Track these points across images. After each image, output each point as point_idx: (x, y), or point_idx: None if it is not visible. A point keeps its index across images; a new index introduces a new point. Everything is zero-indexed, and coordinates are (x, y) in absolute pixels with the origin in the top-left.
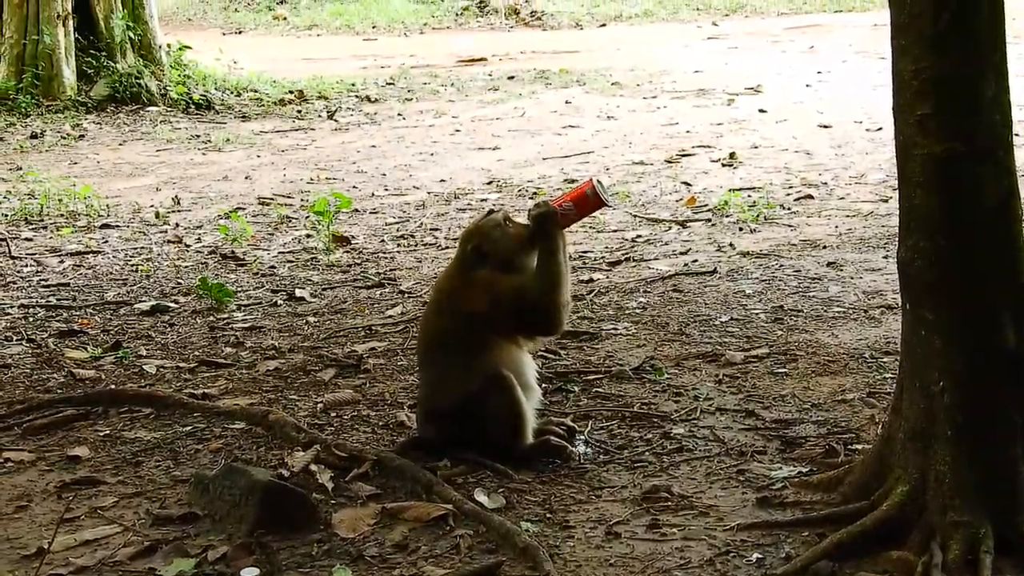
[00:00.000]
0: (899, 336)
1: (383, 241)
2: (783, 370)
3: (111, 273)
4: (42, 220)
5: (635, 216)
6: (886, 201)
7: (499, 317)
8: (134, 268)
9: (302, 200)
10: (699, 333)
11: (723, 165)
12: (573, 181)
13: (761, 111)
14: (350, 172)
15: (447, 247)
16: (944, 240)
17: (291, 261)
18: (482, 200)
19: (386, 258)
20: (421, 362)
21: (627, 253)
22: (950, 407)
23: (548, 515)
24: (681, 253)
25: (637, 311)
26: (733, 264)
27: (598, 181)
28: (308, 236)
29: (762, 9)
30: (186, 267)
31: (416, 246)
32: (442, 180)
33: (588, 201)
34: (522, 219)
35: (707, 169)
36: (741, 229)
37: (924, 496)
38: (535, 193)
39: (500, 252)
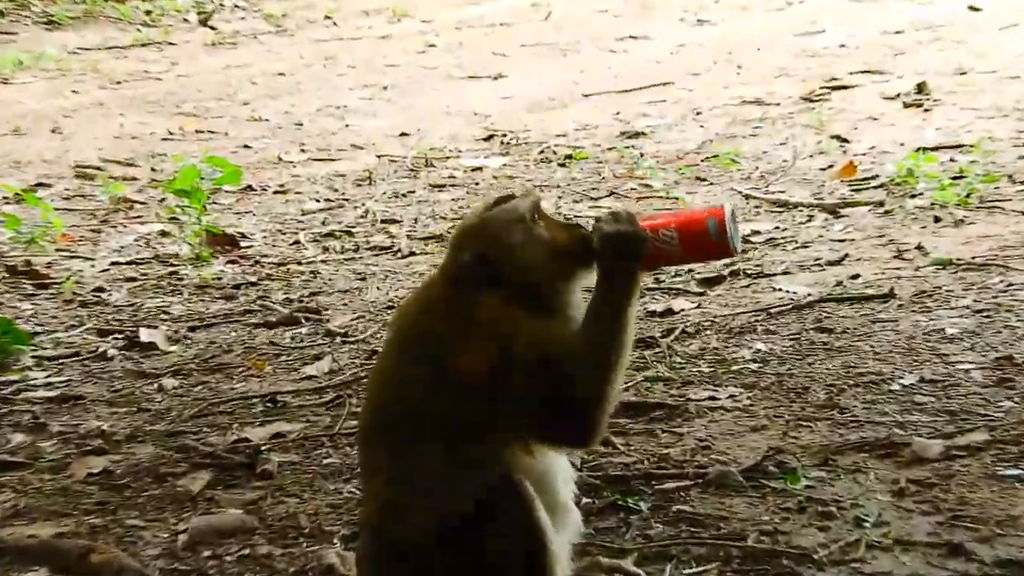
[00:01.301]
0: None
1: (297, 243)
2: (1016, 471)
3: None
4: None
5: (747, 196)
6: None
7: (503, 392)
8: None
9: (154, 170)
10: (863, 406)
11: (905, 106)
12: (637, 136)
13: (973, 8)
14: (238, 119)
15: (415, 254)
16: None
17: (134, 279)
18: (474, 170)
19: (303, 274)
20: (371, 459)
21: (734, 262)
22: None
23: None
24: (831, 263)
25: (752, 366)
26: (924, 283)
27: (733, 214)
28: (164, 235)
29: None
30: None
31: (357, 251)
32: (403, 133)
33: (705, 241)
34: (558, 218)
35: (875, 113)
36: (938, 220)
37: None
38: (568, 159)
39: (523, 268)
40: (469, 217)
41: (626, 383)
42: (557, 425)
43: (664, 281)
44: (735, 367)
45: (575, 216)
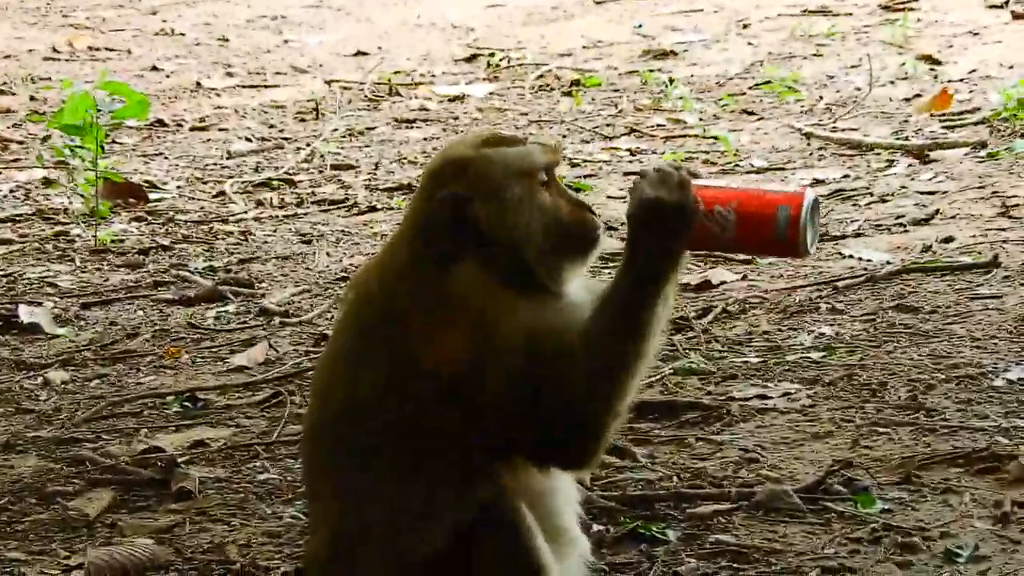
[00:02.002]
0: None
1: (222, 195)
2: None
3: None
4: None
5: (808, 136)
6: None
7: (483, 389)
8: None
9: (34, 99)
10: (956, 407)
11: (1015, 16)
12: (666, 56)
13: None
14: (144, 33)
15: (375, 209)
16: None
17: (9, 242)
18: (452, 100)
19: (230, 235)
20: (318, 477)
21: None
22: None
23: None
24: (917, 222)
25: (813, 356)
26: None
27: (815, 205)
28: (48, 183)
29: None
30: None
31: (300, 206)
32: (359, 53)
33: (769, 234)
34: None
35: (976, 26)
36: None
37: None
38: (575, 85)
39: (514, 235)
40: (455, 145)
41: (648, 376)
42: (545, 441)
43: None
44: (791, 357)
45: (584, 161)
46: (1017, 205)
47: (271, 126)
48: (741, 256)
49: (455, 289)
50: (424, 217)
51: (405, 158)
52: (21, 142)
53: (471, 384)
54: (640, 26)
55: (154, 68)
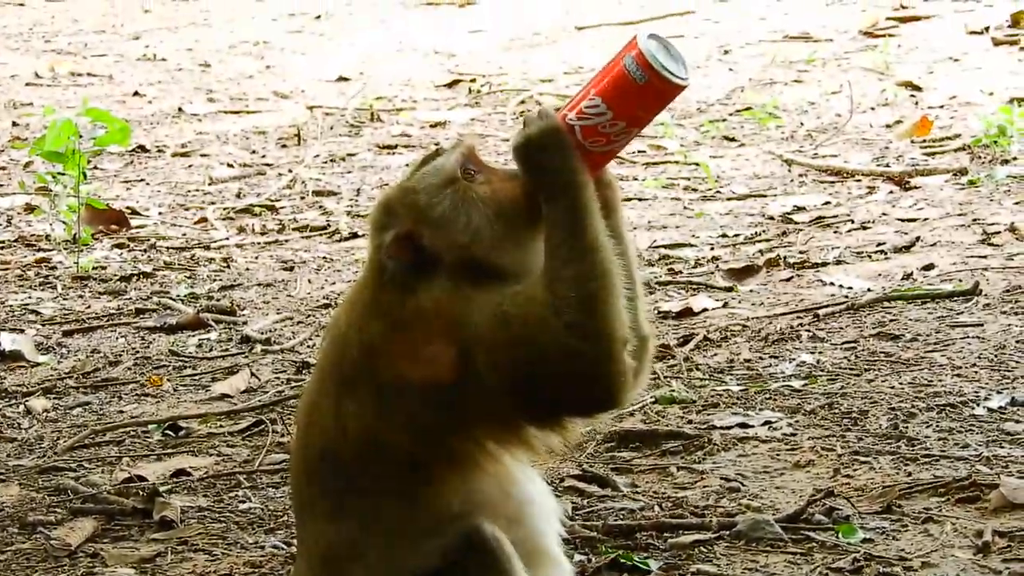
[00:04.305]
0: None
1: (204, 221)
2: None
3: None
4: None
5: (789, 163)
6: None
7: (481, 388)
8: None
9: (16, 124)
10: (938, 436)
11: (995, 43)
12: None
13: None
14: (126, 59)
15: (357, 236)
16: None
17: None
18: (434, 125)
19: (212, 262)
20: (304, 505)
21: (772, 247)
22: None
23: None
24: (897, 249)
25: (794, 384)
26: (1018, 275)
27: (651, 37)
28: (30, 210)
29: None
30: None
31: (282, 232)
32: (341, 78)
33: (634, 88)
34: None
35: (957, 52)
36: None
37: None
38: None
39: (461, 240)
40: (388, 189)
41: (632, 405)
42: (565, 395)
43: (681, 273)
44: (773, 385)
45: None
46: (998, 232)
47: (253, 152)
48: (722, 283)
49: (424, 305)
50: (379, 263)
51: (387, 184)
52: (3, 168)
53: (462, 387)
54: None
55: (136, 93)
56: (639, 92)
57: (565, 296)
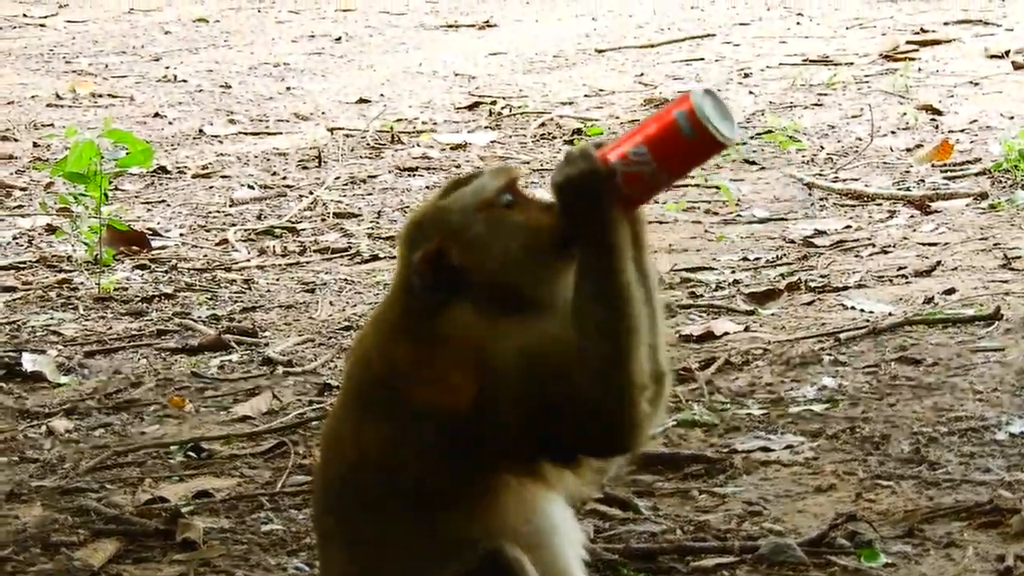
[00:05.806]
0: None
1: (225, 243)
2: None
3: None
4: None
5: (810, 185)
6: None
7: (498, 422)
8: None
9: (37, 145)
10: (959, 460)
11: (1015, 67)
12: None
13: None
14: (147, 80)
15: (378, 258)
16: None
17: (13, 289)
18: (454, 148)
19: (233, 283)
20: (328, 529)
21: (794, 271)
22: None
23: None
24: (919, 274)
25: (816, 408)
26: None
27: (706, 93)
28: (52, 231)
29: None
30: None
31: (303, 254)
32: (362, 100)
33: (682, 142)
34: (544, 193)
35: (977, 76)
36: None
37: None
38: (577, 134)
39: (491, 265)
40: (422, 206)
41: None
42: (574, 436)
43: (702, 297)
44: (794, 409)
45: None
46: (1019, 257)
47: (274, 173)
48: (743, 307)
49: (448, 331)
50: (407, 281)
51: (408, 206)
52: (24, 189)
53: (480, 416)
54: (642, 74)
55: (157, 115)
56: (686, 146)
57: (593, 344)
